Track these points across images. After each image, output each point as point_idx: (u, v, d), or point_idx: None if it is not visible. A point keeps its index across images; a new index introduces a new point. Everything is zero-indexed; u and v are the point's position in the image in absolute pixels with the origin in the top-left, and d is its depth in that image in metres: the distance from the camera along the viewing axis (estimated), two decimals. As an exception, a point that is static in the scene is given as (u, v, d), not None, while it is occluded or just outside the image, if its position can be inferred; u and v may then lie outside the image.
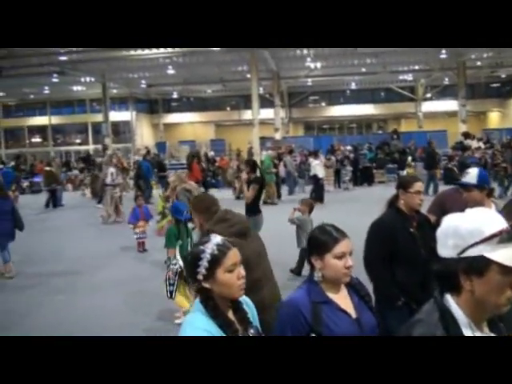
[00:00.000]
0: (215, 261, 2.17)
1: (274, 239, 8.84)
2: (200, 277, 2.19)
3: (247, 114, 34.82)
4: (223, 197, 20.66)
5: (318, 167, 18.92)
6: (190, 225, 6.78)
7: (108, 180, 15.72)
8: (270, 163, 19.48)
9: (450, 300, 1.71)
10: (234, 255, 2.21)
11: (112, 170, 15.92)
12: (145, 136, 41.73)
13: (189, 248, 6.47)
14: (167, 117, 43.61)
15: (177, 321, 6.59)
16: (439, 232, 1.76)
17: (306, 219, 8.54)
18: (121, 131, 41.44)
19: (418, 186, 4.05)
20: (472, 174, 4.35)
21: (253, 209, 7.91)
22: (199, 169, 19.61)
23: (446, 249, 1.71)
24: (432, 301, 1.75)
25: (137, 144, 38.77)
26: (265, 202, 18.18)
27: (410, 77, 37.01)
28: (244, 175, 8.61)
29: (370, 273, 4.00)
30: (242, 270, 2.23)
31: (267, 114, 31.00)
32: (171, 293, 6.28)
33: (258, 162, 24.59)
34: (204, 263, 2.17)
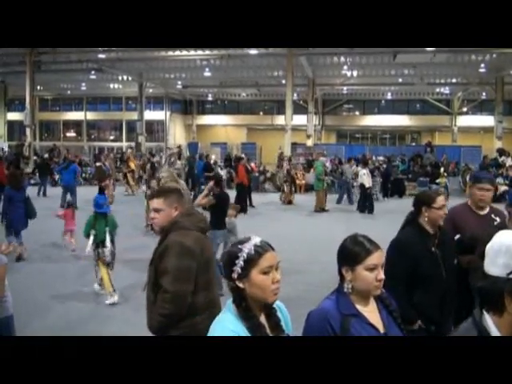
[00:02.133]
0: (251, 260, 2.17)
1: (328, 245, 8.88)
2: (234, 275, 2.19)
3: (280, 119, 34.94)
4: (272, 201, 21.12)
5: (364, 176, 18.65)
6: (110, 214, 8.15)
7: None
8: (322, 170, 19.39)
9: (488, 320, 1.64)
10: (271, 257, 2.20)
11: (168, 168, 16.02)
12: (177, 136, 41.99)
13: (107, 235, 7.87)
14: (200, 118, 43.86)
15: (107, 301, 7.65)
16: (489, 248, 1.69)
17: (234, 223, 8.73)
18: (154, 130, 41.85)
19: (442, 200, 3.92)
20: None
21: (215, 223, 7.98)
22: (245, 171, 19.02)
23: (494, 267, 1.65)
24: (470, 319, 1.70)
25: (169, 143, 39.05)
26: (316, 211, 18.29)
27: (446, 90, 36.55)
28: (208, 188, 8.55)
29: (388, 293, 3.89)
30: (277, 275, 2.21)
31: (300, 120, 30.94)
32: (96, 272, 7.97)
33: (286, 166, 24.41)
34: (240, 262, 2.18)
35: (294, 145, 28.99)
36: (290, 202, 20.61)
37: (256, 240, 2.23)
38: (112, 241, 7.97)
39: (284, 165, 23.58)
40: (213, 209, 8.12)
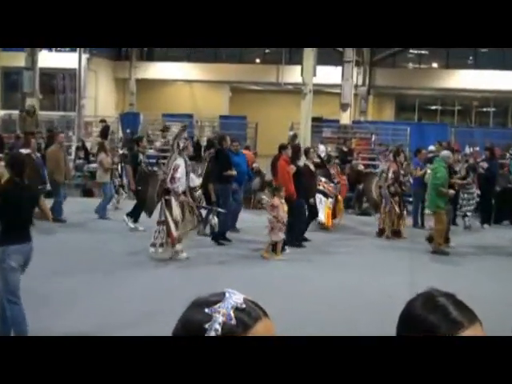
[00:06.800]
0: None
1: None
2: None
3: (292, 74, 35.38)
4: (363, 230, 22.67)
5: None
6: None
7: (174, 181, 16.08)
8: (445, 174, 18.73)
9: None
10: (264, 331, 2.20)
11: (180, 161, 16.29)
12: (102, 99, 42.58)
13: None
14: (144, 68, 44.33)
15: None
16: None
17: None
18: (58, 88, 42.42)
19: None
20: None
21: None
22: (290, 170, 18.11)
23: None
24: None
25: (86, 112, 39.31)
26: (436, 251, 18.37)
27: None
28: None
29: None
30: None
31: (329, 75, 31.11)
32: None
33: (391, 165, 23.86)
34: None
35: (318, 121, 29.70)
36: (396, 234, 20.75)
37: (236, 299, 2.22)
38: None
39: (391, 162, 21.87)
40: None
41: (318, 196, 20.56)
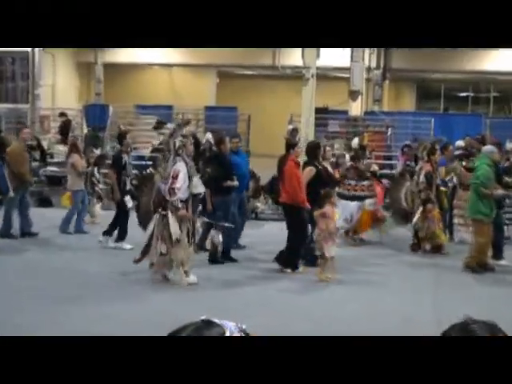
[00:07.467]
0: None
1: None
2: None
3: (291, 56, 36.61)
4: (386, 244, 23.40)
5: None
6: None
7: (174, 193, 15.75)
8: (487, 174, 18.40)
9: None
10: None
11: (181, 165, 16.09)
12: (61, 88, 42.75)
13: None
14: (113, 50, 44.16)
15: None
16: None
17: None
18: (6, 75, 42.32)
19: None
20: None
21: None
22: (299, 173, 17.83)
23: None
24: None
25: (41, 104, 39.23)
26: (471, 267, 18.22)
27: None
28: None
29: None
30: None
31: (336, 57, 31.76)
32: None
33: (425, 166, 23.66)
34: None
35: (322, 112, 29.86)
36: (437, 248, 21.15)
37: (230, 323, 2.68)
38: None
39: (423, 163, 22.21)
40: None
41: (343, 203, 21.35)
